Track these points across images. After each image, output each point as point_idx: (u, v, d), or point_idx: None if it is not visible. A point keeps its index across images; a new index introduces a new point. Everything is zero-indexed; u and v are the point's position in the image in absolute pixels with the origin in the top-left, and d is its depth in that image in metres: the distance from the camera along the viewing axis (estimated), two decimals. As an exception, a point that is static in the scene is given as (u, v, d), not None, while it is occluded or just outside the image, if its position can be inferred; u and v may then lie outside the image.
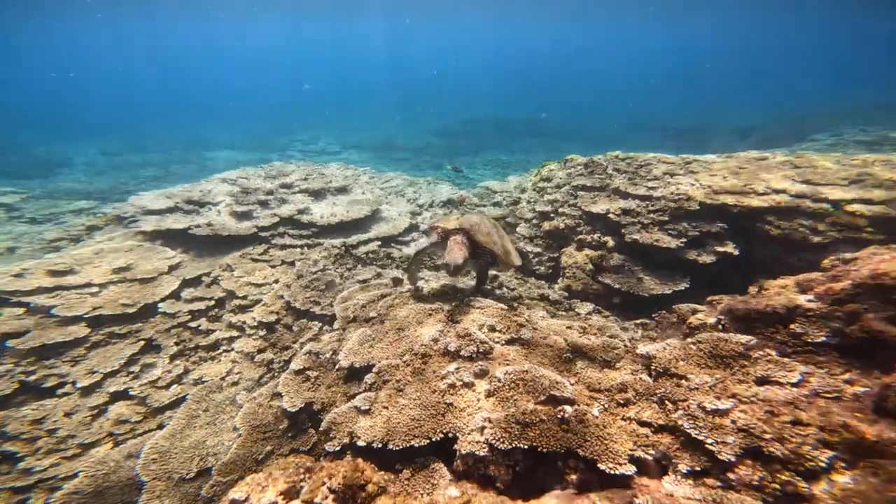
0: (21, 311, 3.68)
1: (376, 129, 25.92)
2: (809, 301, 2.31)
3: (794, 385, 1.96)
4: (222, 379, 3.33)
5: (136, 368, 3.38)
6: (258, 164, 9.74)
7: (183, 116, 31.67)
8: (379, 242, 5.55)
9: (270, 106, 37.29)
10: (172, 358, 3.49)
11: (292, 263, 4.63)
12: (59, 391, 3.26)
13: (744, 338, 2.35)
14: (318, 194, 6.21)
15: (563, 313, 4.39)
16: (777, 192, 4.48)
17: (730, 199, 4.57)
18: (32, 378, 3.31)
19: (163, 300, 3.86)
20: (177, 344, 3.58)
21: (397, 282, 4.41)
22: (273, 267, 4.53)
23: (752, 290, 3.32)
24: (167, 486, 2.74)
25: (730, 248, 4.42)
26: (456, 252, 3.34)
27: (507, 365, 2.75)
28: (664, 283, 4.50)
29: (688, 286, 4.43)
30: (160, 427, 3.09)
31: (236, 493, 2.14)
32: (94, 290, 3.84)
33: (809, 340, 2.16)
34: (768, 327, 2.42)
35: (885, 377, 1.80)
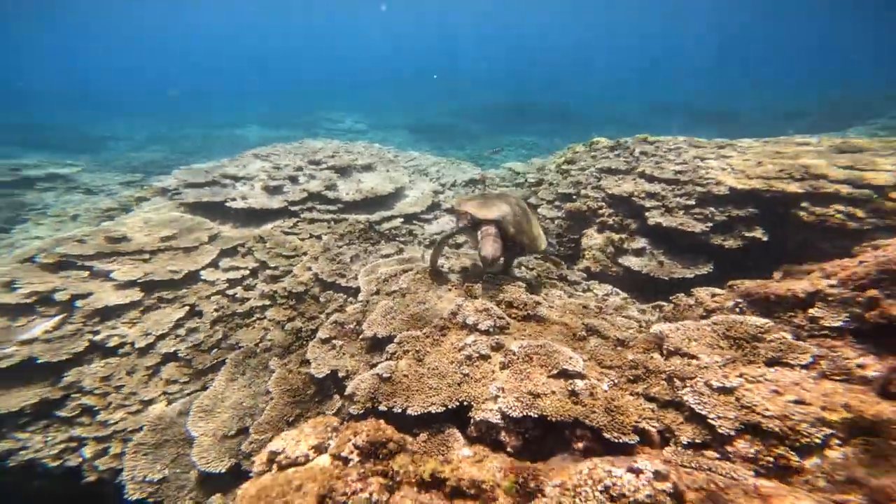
0: (85, 273, 4.05)
1: (402, 110, 25.92)
2: (831, 286, 2.30)
3: (803, 367, 1.99)
4: (256, 345, 3.58)
5: (182, 332, 3.69)
6: (287, 140, 10.08)
7: (215, 96, 32.45)
8: (402, 219, 5.68)
9: (298, 85, 37.63)
10: (213, 323, 3.78)
11: (319, 237, 4.83)
12: (120, 351, 3.62)
13: (759, 320, 2.36)
14: (344, 171, 6.36)
15: (581, 294, 4.43)
16: (816, 177, 4.30)
17: (762, 184, 4.43)
18: (98, 338, 3.67)
19: (204, 268, 4.16)
20: (216, 310, 3.86)
21: (417, 259, 4.54)
22: (302, 240, 4.74)
23: (777, 275, 3.27)
24: (213, 441, 3.04)
25: (758, 234, 4.31)
26: (490, 247, 3.35)
27: (523, 339, 2.85)
28: (687, 266, 4.45)
29: (711, 270, 4.37)
30: (204, 388, 3.39)
31: (274, 445, 2.37)
32: (146, 256, 4.18)
33: (826, 325, 2.16)
34: (787, 311, 2.42)
35: (893, 360, 1.80)
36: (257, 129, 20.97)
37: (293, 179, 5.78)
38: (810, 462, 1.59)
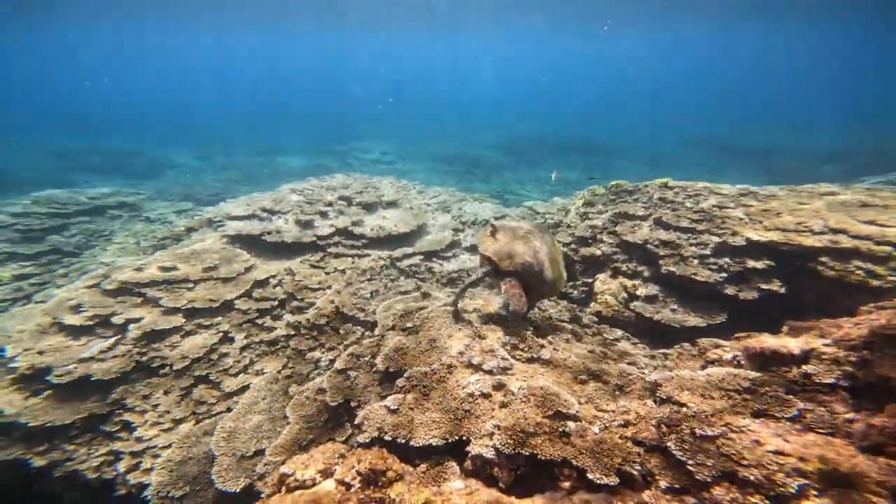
0: (139, 300, 4.56)
1: (430, 140, 26.95)
2: (826, 345, 2.36)
3: (788, 419, 2.05)
4: (279, 372, 3.88)
5: (214, 357, 4.05)
6: (321, 170, 10.88)
7: (259, 124, 35.02)
8: (422, 256, 5.98)
9: (333, 115, 40.06)
10: (242, 350, 4.13)
11: (343, 271, 5.18)
12: (161, 371, 4.01)
13: (752, 374, 2.43)
14: (370, 207, 6.82)
15: (590, 338, 4.50)
16: (835, 231, 4.30)
17: (780, 237, 4.45)
18: (144, 359, 4.08)
19: (238, 298, 4.57)
20: (246, 337, 4.23)
21: (429, 296, 4.78)
22: (327, 273, 5.11)
23: (784, 330, 3.29)
24: (232, 461, 3.29)
25: (775, 287, 4.30)
26: (515, 303, 3.41)
27: (524, 381, 2.99)
28: (699, 315, 4.46)
29: (724, 320, 4.36)
30: (228, 410, 3.68)
31: (286, 468, 2.59)
32: (190, 285, 4.66)
33: (818, 381, 2.22)
34: (781, 367, 2.48)
35: (880, 417, 1.85)
36: (297, 157, 22.40)
37: (323, 214, 6.27)
38: (784, 513, 1.66)
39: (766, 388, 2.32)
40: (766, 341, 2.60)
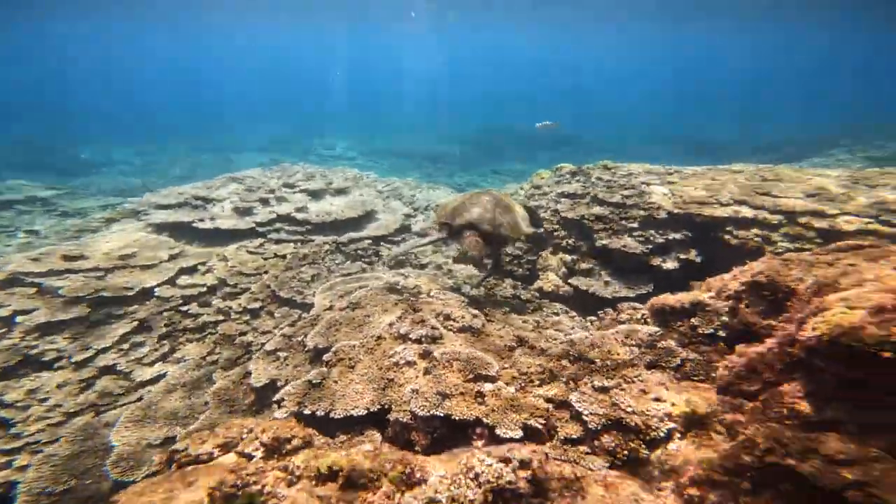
0: (33, 290, 4.21)
1: (395, 136, 26.51)
2: (710, 297, 2.57)
3: (673, 369, 2.23)
4: (203, 358, 3.76)
5: (126, 346, 3.83)
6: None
7: (213, 121, 33.21)
8: (370, 241, 5.95)
9: (293, 111, 38.64)
10: (161, 338, 3.94)
11: (284, 257, 5.08)
12: (56, 365, 3.73)
13: (650, 329, 2.62)
14: (317, 194, 6.68)
15: (529, 312, 4.67)
16: (738, 202, 4.66)
17: (695, 209, 4.76)
18: (34, 352, 3.78)
19: (159, 285, 4.36)
20: (167, 325, 4.04)
21: (377, 276, 4.79)
22: (265, 259, 4.99)
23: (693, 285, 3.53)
24: (134, 450, 3.11)
25: (692, 256, 4.61)
26: (473, 247, 3.77)
27: (451, 349, 3.07)
28: (629, 286, 4.72)
29: (651, 290, 4.63)
30: (139, 400, 3.48)
31: (178, 444, 2.44)
32: (100, 273, 4.37)
33: (701, 332, 2.42)
34: (677, 321, 2.68)
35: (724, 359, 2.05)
36: (254, 154, 21.39)
37: (265, 202, 6.08)
38: (654, 454, 1.82)
39: (661, 342, 2.51)
40: (668, 299, 2.79)
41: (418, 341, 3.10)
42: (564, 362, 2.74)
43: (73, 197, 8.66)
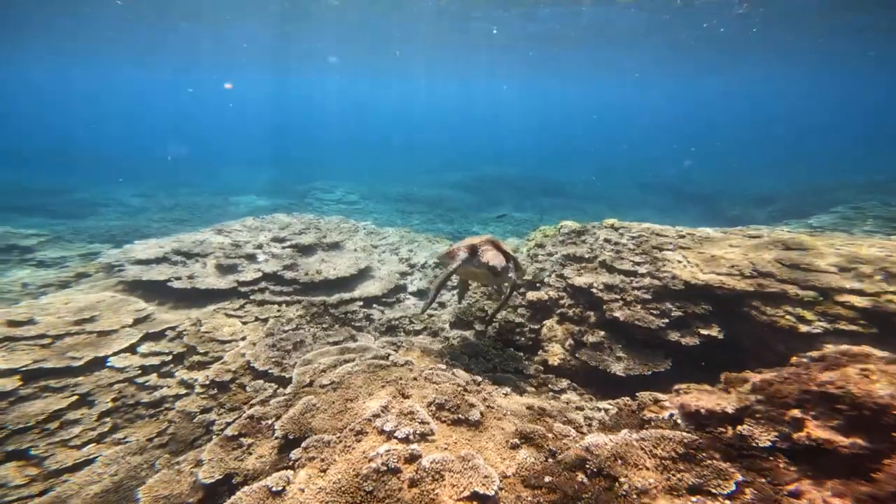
0: None
1: (394, 181, 27.02)
2: (758, 402, 2.13)
3: (727, 497, 1.75)
4: (149, 440, 3.20)
5: (53, 425, 3.25)
6: (279, 210, 10.27)
7: (215, 164, 34.05)
8: (361, 303, 5.54)
9: (294, 154, 39.80)
10: (103, 415, 3.39)
11: (266, 321, 4.65)
12: None
13: (687, 436, 2.15)
14: (308, 250, 6.36)
15: (533, 389, 4.16)
16: (763, 274, 4.30)
17: (715, 280, 4.41)
18: None
19: (115, 354, 3.87)
20: (114, 400, 3.50)
21: (367, 348, 4.33)
22: (245, 323, 4.55)
23: (722, 379, 3.09)
24: None
25: (714, 332, 4.19)
26: (496, 257, 3.71)
27: (442, 452, 2.57)
28: (644, 363, 4.25)
29: (669, 367, 4.17)
30: (41, 493, 2.84)
31: None
32: (46, 341, 3.89)
33: (755, 444, 1.96)
34: (718, 426, 2.22)
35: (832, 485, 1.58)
36: (254, 198, 21.58)
37: (251, 258, 5.74)
38: None
39: (703, 455, 2.04)
40: (702, 399, 2.35)
41: (405, 440, 2.61)
42: (580, 477, 2.24)
43: (56, 243, 8.31)
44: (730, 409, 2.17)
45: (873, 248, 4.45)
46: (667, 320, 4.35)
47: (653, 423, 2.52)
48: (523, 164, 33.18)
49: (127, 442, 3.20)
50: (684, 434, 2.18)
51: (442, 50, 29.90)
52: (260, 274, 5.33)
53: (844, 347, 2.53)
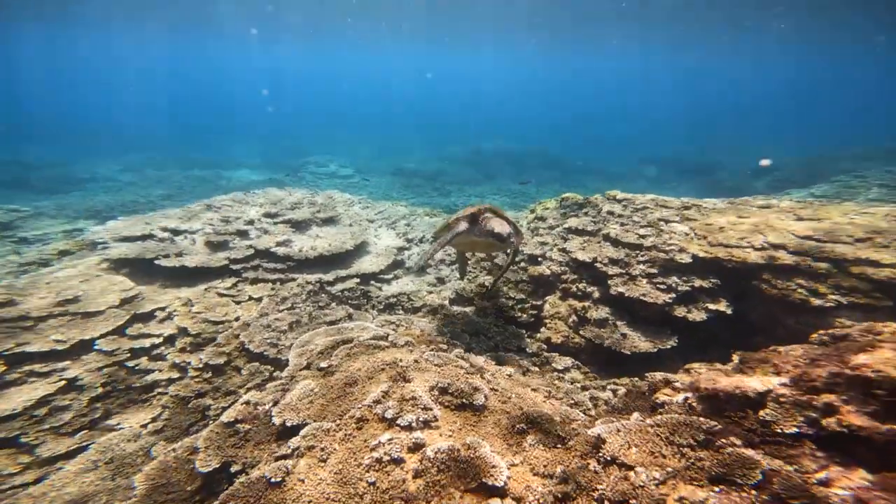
0: None
1: (389, 154, 26.48)
2: (783, 385, 2.01)
3: (753, 486, 1.65)
4: (144, 426, 3.09)
5: (41, 412, 3.13)
6: (272, 185, 9.92)
7: (207, 137, 33.02)
8: (358, 280, 5.38)
9: (289, 129, 38.72)
10: (93, 400, 3.27)
11: (260, 300, 4.49)
12: None
13: (706, 422, 2.04)
14: (302, 225, 6.13)
15: (537, 369, 4.08)
16: (775, 246, 4.15)
17: (723, 253, 4.26)
18: None
19: (102, 336, 3.71)
20: (104, 385, 3.37)
21: (364, 327, 4.20)
22: (238, 303, 4.39)
23: (734, 359, 2.98)
24: None
25: (722, 307, 4.08)
26: (500, 224, 3.64)
27: (447, 440, 2.47)
28: (649, 339, 4.16)
29: (675, 344, 4.08)
30: (37, 481, 2.77)
31: None
32: (29, 323, 3.72)
33: (780, 430, 1.85)
34: (737, 411, 2.11)
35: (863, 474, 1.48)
36: (247, 172, 21.03)
37: (242, 234, 5.51)
38: None
39: (723, 441, 1.94)
40: (720, 381, 2.23)
41: (408, 428, 2.50)
42: (593, 465, 2.15)
43: (38, 219, 7.98)
44: (751, 393, 2.05)
45: (889, 215, 4.29)
46: (673, 295, 4.23)
47: (666, 407, 2.42)
48: (523, 140, 32.42)
49: (120, 428, 3.09)
50: (702, 419, 2.07)
51: (438, 21, 28.60)
52: (252, 251, 5.13)
53: (868, 325, 2.41)
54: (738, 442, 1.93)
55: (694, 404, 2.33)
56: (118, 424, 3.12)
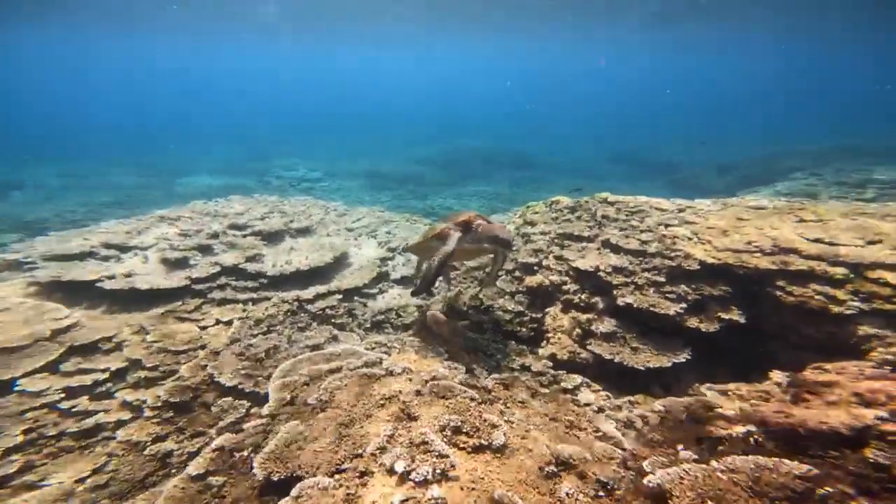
0: None
1: (360, 156, 25.69)
2: (882, 420, 1.71)
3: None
4: (79, 481, 2.45)
5: None
6: (235, 192, 9.10)
7: (160, 140, 31.00)
8: (340, 296, 4.85)
9: (251, 131, 37.13)
10: (8, 452, 2.58)
11: (230, 323, 3.89)
12: None
13: (798, 468, 1.71)
14: (274, 237, 5.52)
15: (546, 390, 3.71)
16: (786, 250, 3.99)
17: (734, 259, 4.07)
18: None
19: (26, 375, 2.99)
20: (27, 432, 2.69)
21: (352, 351, 3.71)
22: (203, 328, 3.77)
23: (775, 377, 2.71)
24: None
25: (735, 315, 3.87)
26: (502, 228, 3.67)
27: (471, 491, 2.05)
28: (661, 353, 3.90)
29: (689, 357, 3.83)
30: None
31: None
32: None
33: None
34: (827, 450, 1.79)
35: None
36: (205, 176, 19.66)
37: (205, 249, 4.83)
38: None
39: (829, 490, 1.61)
40: (794, 414, 1.92)
41: (424, 483, 2.05)
42: (658, 524, 1.78)
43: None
44: (844, 430, 1.74)
45: (889, 217, 4.24)
46: (684, 305, 3.99)
47: (728, 445, 2.09)
48: (489, 137, 32.45)
49: (45, 486, 2.45)
50: (792, 464, 1.74)
51: (404, 19, 28.27)
52: (218, 268, 4.48)
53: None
54: (850, 491, 1.61)
55: (762, 441, 2.01)
56: (41, 481, 2.47)
